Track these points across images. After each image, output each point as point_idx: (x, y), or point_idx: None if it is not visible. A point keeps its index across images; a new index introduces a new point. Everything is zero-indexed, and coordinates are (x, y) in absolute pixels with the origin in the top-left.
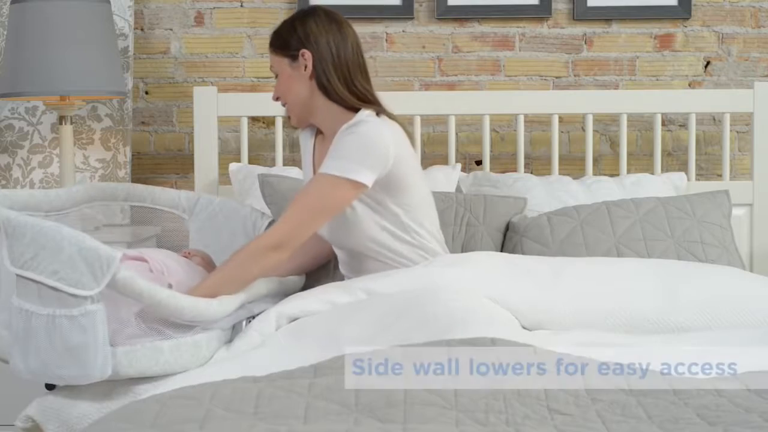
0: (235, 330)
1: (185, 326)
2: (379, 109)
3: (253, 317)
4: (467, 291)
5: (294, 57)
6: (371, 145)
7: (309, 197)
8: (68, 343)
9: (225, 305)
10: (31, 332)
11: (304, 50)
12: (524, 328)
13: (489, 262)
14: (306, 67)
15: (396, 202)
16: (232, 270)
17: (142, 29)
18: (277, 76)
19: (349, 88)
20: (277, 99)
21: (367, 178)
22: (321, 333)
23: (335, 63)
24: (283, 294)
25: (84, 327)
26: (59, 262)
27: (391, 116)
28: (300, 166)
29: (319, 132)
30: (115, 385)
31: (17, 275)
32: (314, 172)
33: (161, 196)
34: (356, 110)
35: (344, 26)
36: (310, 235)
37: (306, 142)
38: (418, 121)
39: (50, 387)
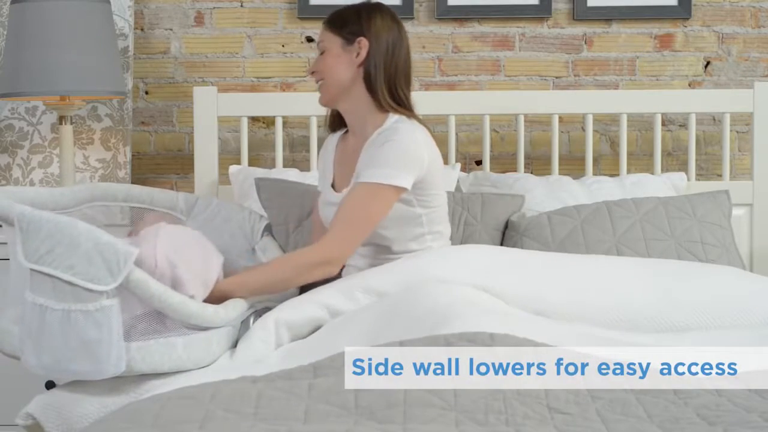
0: (242, 326)
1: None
2: (410, 114)
3: (258, 313)
4: (457, 283)
5: (349, 40)
6: (408, 150)
7: (354, 209)
8: (83, 338)
9: (230, 312)
10: (45, 327)
11: (362, 38)
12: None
13: (482, 253)
14: (358, 54)
15: (421, 204)
16: (275, 277)
17: (142, 29)
18: (322, 53)
19: (390, 90)
20: (312, 73)
21: (407, 182)
22: (316, 348)
23: (387, 62)
24: (281, 298)
25: (99, 322)
26: (76, 257)
27: (419, 120)
28: (300, 167)
29: (342, 135)
30: (117, 384)
31: (31, 270)
32: (334, 172)
33: (160, 197)
34: (387, 112)
35: (403, 31)
36: (359, 245)
37: (331, 141)
38: None
39: (49, 386)
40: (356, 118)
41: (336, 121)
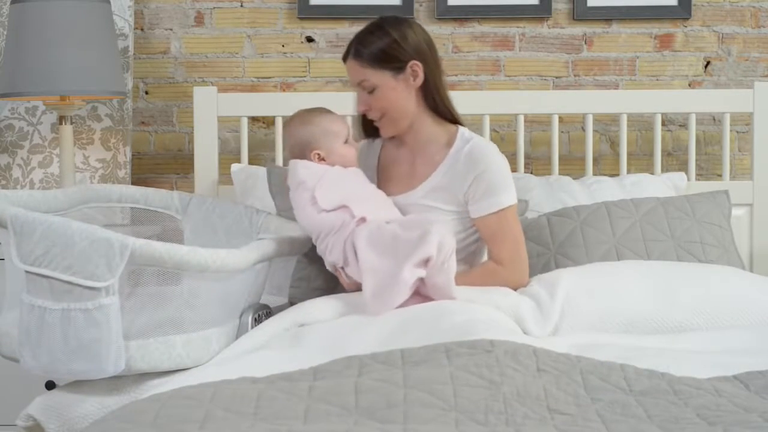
0: (240, 326)
1: (197, 321)
2: (462, 123)
3: (268, 312)
4: (475, 304)
5: (399, 69)
6: (506, 170)
7: (509, 236)
8: (83, 337)
9: (246, 255)
10: (45, 328)
11: (414, 62)
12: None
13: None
14: (415, 78)
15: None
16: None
17: (142, 29)
18: (371, 90)
19: (449, 98)
20: (365, 111)
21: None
22: (326, 341)
23: (440, 74)
24: (294, 252)
25: (98, 321)
26: (72, 256)
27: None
28: None
29: (387, 140)
30: (117, 384)
31: (27, 272)
32: (378, 179)
33: (154, 197)
34: (446, 120)
35: (427, 32)
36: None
37: (371, 148)
38: None
39: (50, 387)
40: (423, 137)
41: (370, 129)
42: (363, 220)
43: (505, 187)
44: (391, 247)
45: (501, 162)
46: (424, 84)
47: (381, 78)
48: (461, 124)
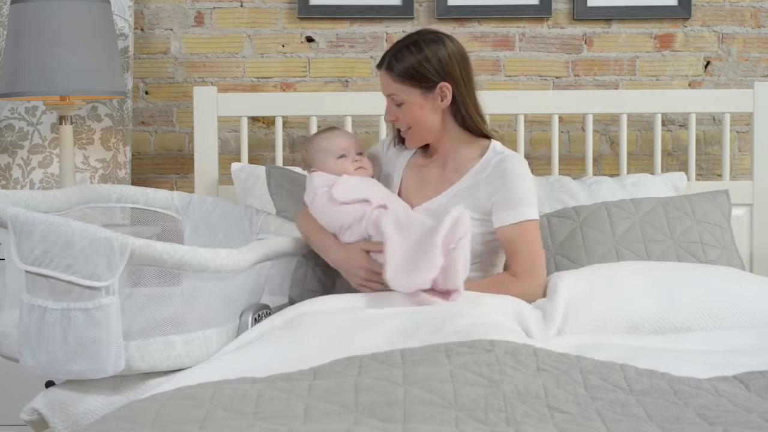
0: (241, 326)
1: (197, 321)
2: (493, 135)
3: (268, 312)
4: (478, 307)
5: (428, 88)
6: (532, 185)
7: (532, 248)
8: (82, 337)
9: (246, 255)
10: (45, 328)
11: (443, 84)
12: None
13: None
14: (443, 99)
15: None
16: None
17: (142, 29)
18: (400, 104)
19: (480, 115)
20: (392, 121)
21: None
22: (329, 330)
23: (471, 92)
24: (294, 252)
25: (98, 320)
26: (72, 256)
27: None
28: (301, 167)
29: (419, 150)
30: (123, 381)
31: (27, 272)
32: (399, 185)
33: (154, 197)
34: (477, 134)
35: (463, 47)
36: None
37: (402, 151)
38: None
39: (49, 386)
40: (452, 150)
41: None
42: (383, 207)
43: (528, 202)
44: (419, 233)
45: (529, 177)
46: (453, 104)
47: (409, 95)
48: (494, 139)
